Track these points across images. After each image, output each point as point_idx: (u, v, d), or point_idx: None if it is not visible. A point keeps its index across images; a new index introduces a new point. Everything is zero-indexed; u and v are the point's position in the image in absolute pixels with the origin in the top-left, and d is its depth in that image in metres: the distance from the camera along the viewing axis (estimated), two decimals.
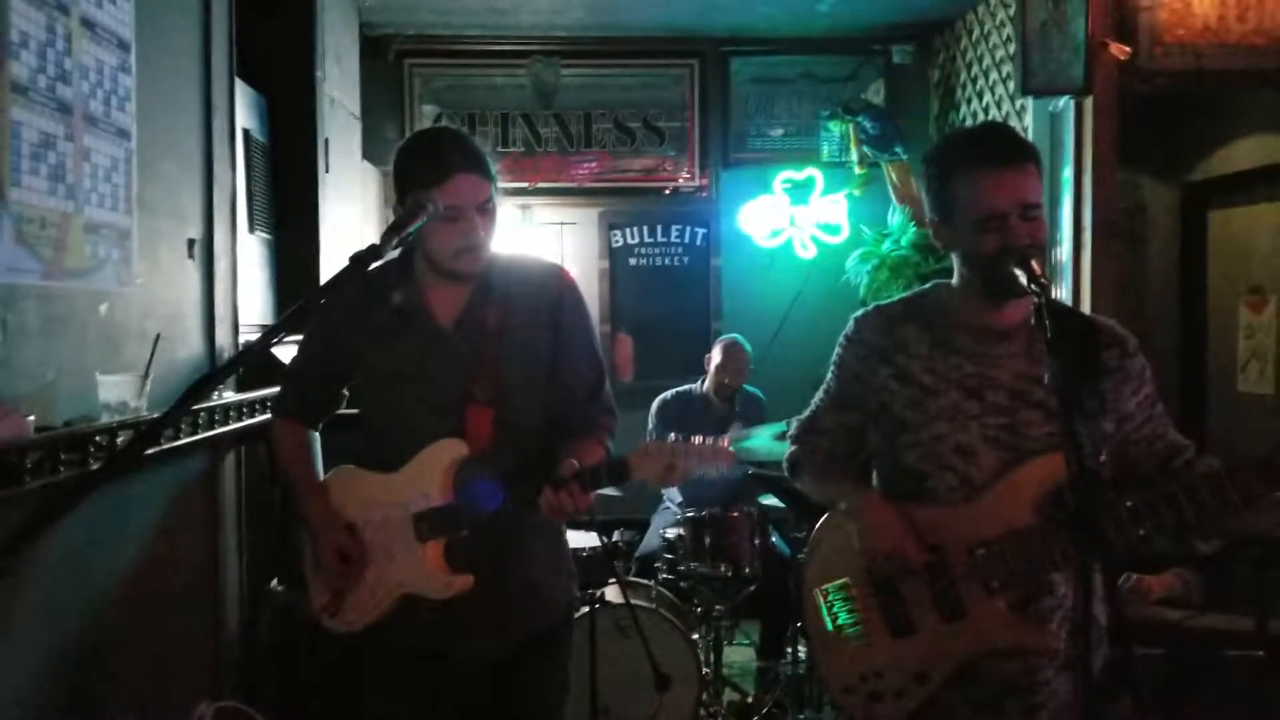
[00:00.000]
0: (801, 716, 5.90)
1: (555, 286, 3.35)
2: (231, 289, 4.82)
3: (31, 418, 3.02)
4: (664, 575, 6.12)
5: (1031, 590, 2.87)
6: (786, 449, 3.37)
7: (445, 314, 3.24)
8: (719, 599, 6.05)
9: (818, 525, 3.26)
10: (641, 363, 9.10)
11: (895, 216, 8.55)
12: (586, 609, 5.06)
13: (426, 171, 3.03)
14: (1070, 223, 6.45)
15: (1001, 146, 2.84)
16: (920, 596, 2.93)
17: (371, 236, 7.23)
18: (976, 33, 8.12)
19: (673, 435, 3.02)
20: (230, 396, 4.52)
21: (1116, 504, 2.71)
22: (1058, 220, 6.51)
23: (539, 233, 8.93)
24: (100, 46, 3.61)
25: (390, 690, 3.37)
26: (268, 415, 4.42)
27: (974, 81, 8.19)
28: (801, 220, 8.97)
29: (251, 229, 5.40)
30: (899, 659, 2.97)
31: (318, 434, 3.56)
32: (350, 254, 2.55)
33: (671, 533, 6.14)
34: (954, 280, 2.99)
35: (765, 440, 5.91)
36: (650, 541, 6.73)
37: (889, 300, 3.18)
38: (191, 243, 4.42)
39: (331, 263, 6.12)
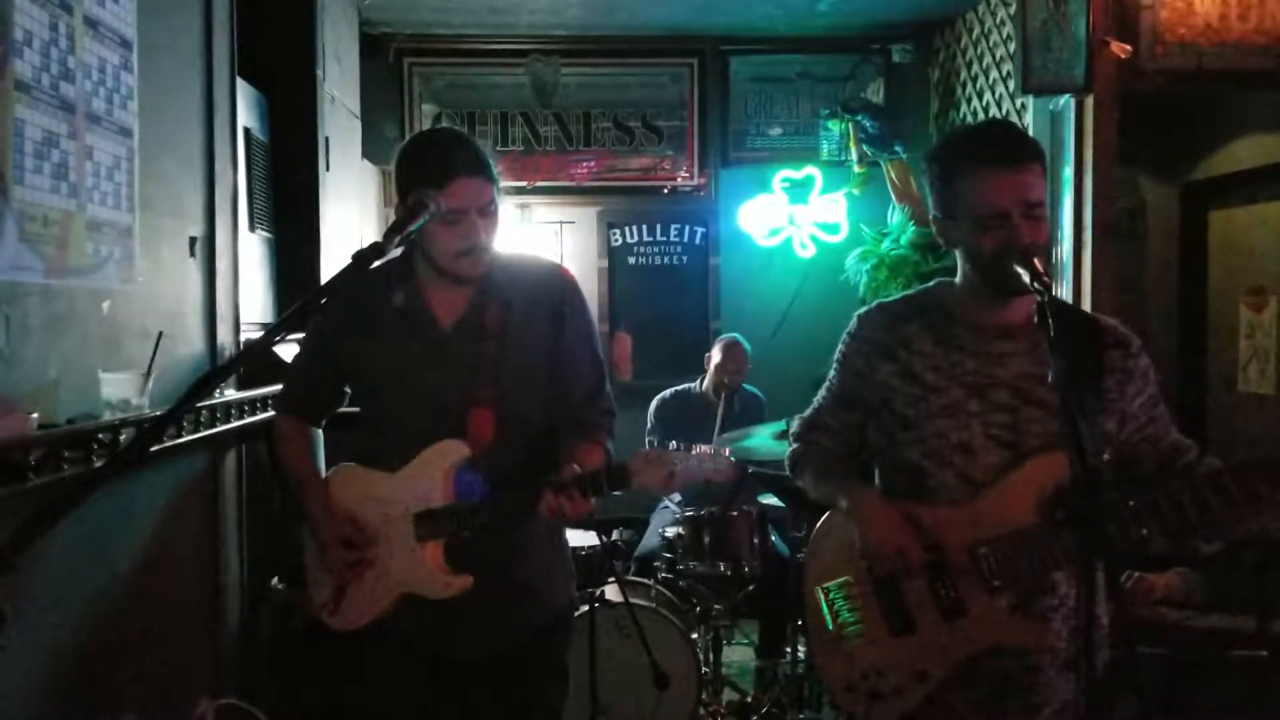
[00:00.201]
0: (800, 716, 5.90)
1: (557, 287, 3.35)
2: (232, 287, 4.82)
3: (34, 415, 3.02)
4: (663, 574, 6.11)
5: (1032, 589, 2.87)
6: (788, 447, 3.37)
7: (446, 315, 3.24)
8: (718, 598, 6.05)
9: (818, 524, 3.26)
10: (640, 362, 9.11)
11: (894, 215, 8.56)
12: (586, 608, 5.06)
13: (429, 174, 3.02)
14: (1071, 221, 6.46)
15: (1005, 145, 2.84)
16: (921, 595, 2.94)
17: (371, 235, 7.24)
18: (976, 31, 8.12)
19: (673, 444, 3.01)
20: (231, 395, 4.52)
21: (1118, 503, 2.72)
22: (1058, 219, 6.51)
23: (538, 232, 8.95)
24: (103, 45, 3.61)
25: (390, 689, 3.37)
26: (269, 413, 4.42)
27: (974, 80, 8.18)
28: (800, 219, 8.97)
29: (252, 227, 5.40)
30: (899, 657, 2.97)
31: (319, 432, 3.56)
32: (352, 252, 2.55)
33: (671, 532, 6.14)
34: (957, 278, 2.99)
35: (765, 439, 5.91)
36: (649, 540, 6.73)
37: (892, 297, 3.18)
38: (193, 241, 4.42)
39: (332, 261, 6.12)
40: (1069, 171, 6.45)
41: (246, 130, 5.30)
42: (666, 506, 6.98)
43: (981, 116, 7.99)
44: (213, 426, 4.27)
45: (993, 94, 7.88)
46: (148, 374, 3.64)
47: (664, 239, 9.15)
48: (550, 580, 3.42)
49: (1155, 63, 6.24)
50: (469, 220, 3.05)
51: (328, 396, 3.50)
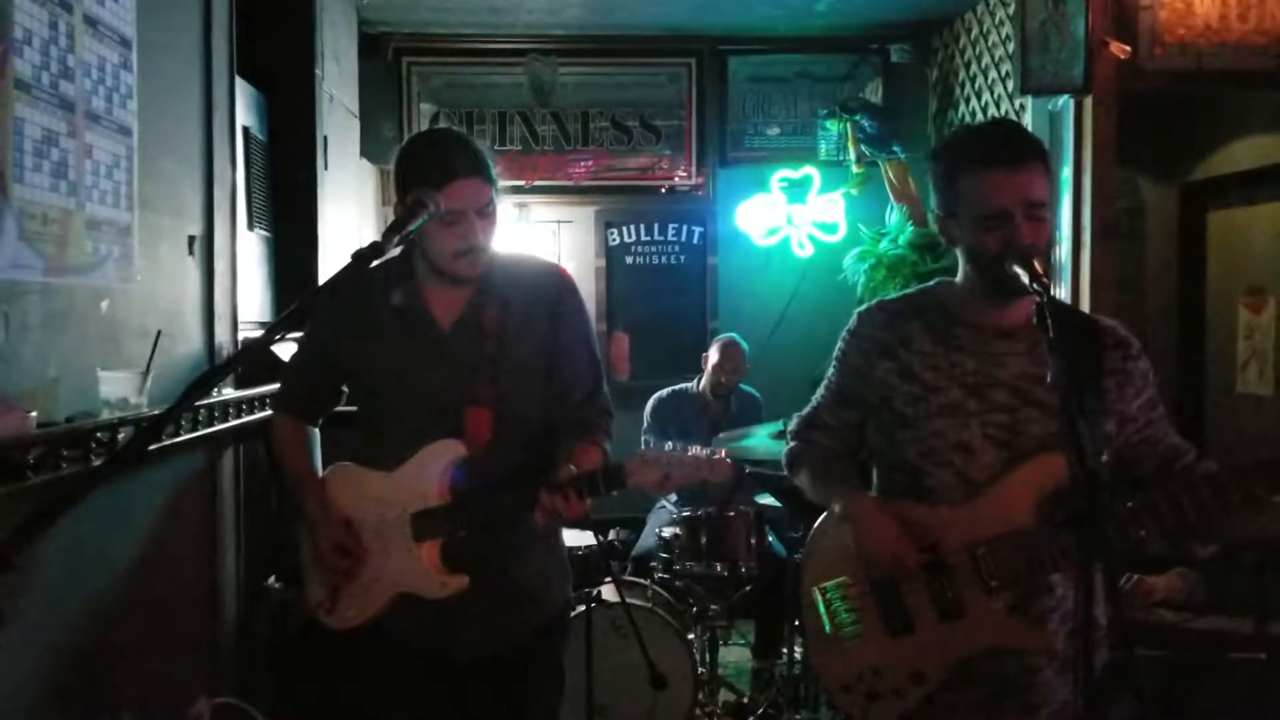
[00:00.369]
0: (797, 716, 5.90)
1: (554, 287, 3.35)
2: (231, 286, 4.82)
3: (33, 414, 3.02)
4: (660, 574, 6.11)
5: (1030, 590, 2.87)
6: (786, 445, 3.37)
7: (445, 315, 3.24)
8: (715, 598, 6.05)
9: (816, 524, 3.26)
10: (638, 361, 9.10)
11: (893, 215, 8.56)
12: (582, 608, 5.06)
13: (428, 174, 3.02)
14: (1069, 222, 6.46)
15: (1008, 144, 2.83)
16: (918, 596, 2.93)
17: (370, 234, 7.24)
18: (975, 31, 8.11)
19: (669, 444, 3.01)
20: (229, 393, 4.52)
21: (1117, 505, 2.72)
22: (1057, 219, 6.51)
23: (536, 231, 8.94)
24: (102, 44, 3.61)
25: (386, 689, 3.37)
26: (266, 412, 4.43)
27: (972, 81, 8.18)
28: (798, 219, 8.97)
29: (251, 226, 5.40)
30: (896, 658, 2.97)
31: (317, 431, 3.56)
32: (351, 252, 2.55)
33: (667, 532, 6.14)
34: (958, 277, 2.99)
35: (762, 439, 5.90)
36: (646, 540, 6.74)
37: (892, 296, 3.18)
38: (192, 239, 4.42)
39: (330, 260, 6.12)
40: (1068, 172, 6.45)
41: (245, 129, 5.30)
42: (663, 507, 6.98)
43: (980, 117, 7.99)
44: (210, 425, 4.27)
45: (991, 94, 7.88)
46: (146, 373, 3.64)
47: (662, 238, 9.15)
48: (547, 580, 3.42)
49: (1154, 63, 6.24)
50: (467, 221, 3.05)
51: (325, 396, 3.50)
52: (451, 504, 3.13)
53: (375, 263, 2.63)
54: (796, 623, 5.43)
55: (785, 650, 6.24)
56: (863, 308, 3.15)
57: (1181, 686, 4.54)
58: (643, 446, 3.10)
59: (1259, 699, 4.53)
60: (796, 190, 8.99)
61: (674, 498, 6.83)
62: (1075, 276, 6.46)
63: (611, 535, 6.90)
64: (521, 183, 8.91)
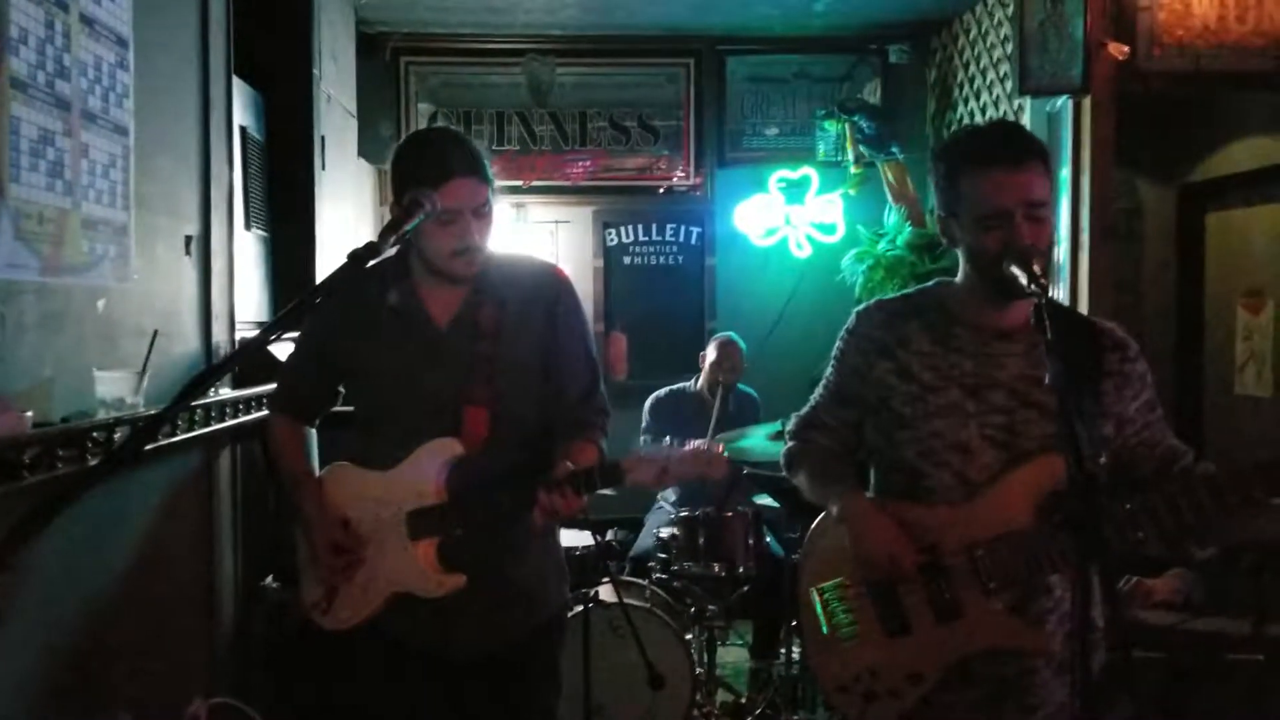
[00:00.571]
0: (795, 717, 5.90)
1: (551, 286, 3.35)
2: (228, 285, 4.81)
3: (29, 414, 3.01)
4: (658, 575, 6.11)
5: (1028, 592, 2.87)
6: (784, 445, 3.36)
7: (441, 314, 3.24)
8: (712, 599, 6.04)
9: (814, 524, 3.26)
10: (635, 361, 9.10)
11: (891, 216, 8.56)
12: (580, 608, 5.06)
13: (424, 173, 3.02)
14: (1067, 223, 6.46)
15: (1009, 144, 2.83)
16: (916, 597, 2.93)
17: (367, 234, 7.25)
18: (974, 32, 8.11)
19: (667, 440, 3.02)
20: (226, 393, 4.51)
21: (1115, 507, 2.72)
22: (1055, 221, 6.50)
23: (533, 231, 8.94)
24: (99, 43, 3.61)
25: (383, 689, 3.37)
26: (263, 412, 4.42)
27: (971, 81, 8.18)
28: (797, 219, 8.97)
29: (248, 226, 5.40)
30: (894, 659, 2.96)
31: (313, 431, 3.56)
32: (348, 251, 2.55)
33: (665, 532, 6.14)
34: (958, 278, 2.99)
35: (760, 440, 5.90)
36: (644, 541, 6.73)
37: (892, 296, 3.18)
38: (188, 239, 4.41)
39: (327, 260, 6.12)
40: (1066, 173, 6.45)
41: (243, 129, 5.30)
42: (661, 507, 6.99)
43: (979, 118, 7.99)
44: (207, 425, 4.26)
45: (990, 95, 7.88)
46: (143, 372, 3.63)
47: (660, 239, 9.15)
48: (544, 581, 3.42)
49: (1153, 64, 6.25)
50: (463, 221, 3.06)
51: (322, 396, 3.50)
52: (448, 502, 3.13)
53: (372, 263, 2.64)
54: (794, 623, 5.42)
55: (783, 651, 6.23)
56: (861, 307, 3.15)
57: (1179, 688, 4.54)
58: (640, 445, 3.10)
59: (1256, 700, 4.53)
60: (795, 191, 8.99)
61: (672, 498, 6.84)
62: (1073, 277, 6.46)
63: (609, 535, 6.90)
64: (519, 183, 8.91)
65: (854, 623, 3.03)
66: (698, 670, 5.62)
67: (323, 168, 6.20)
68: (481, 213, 3.10)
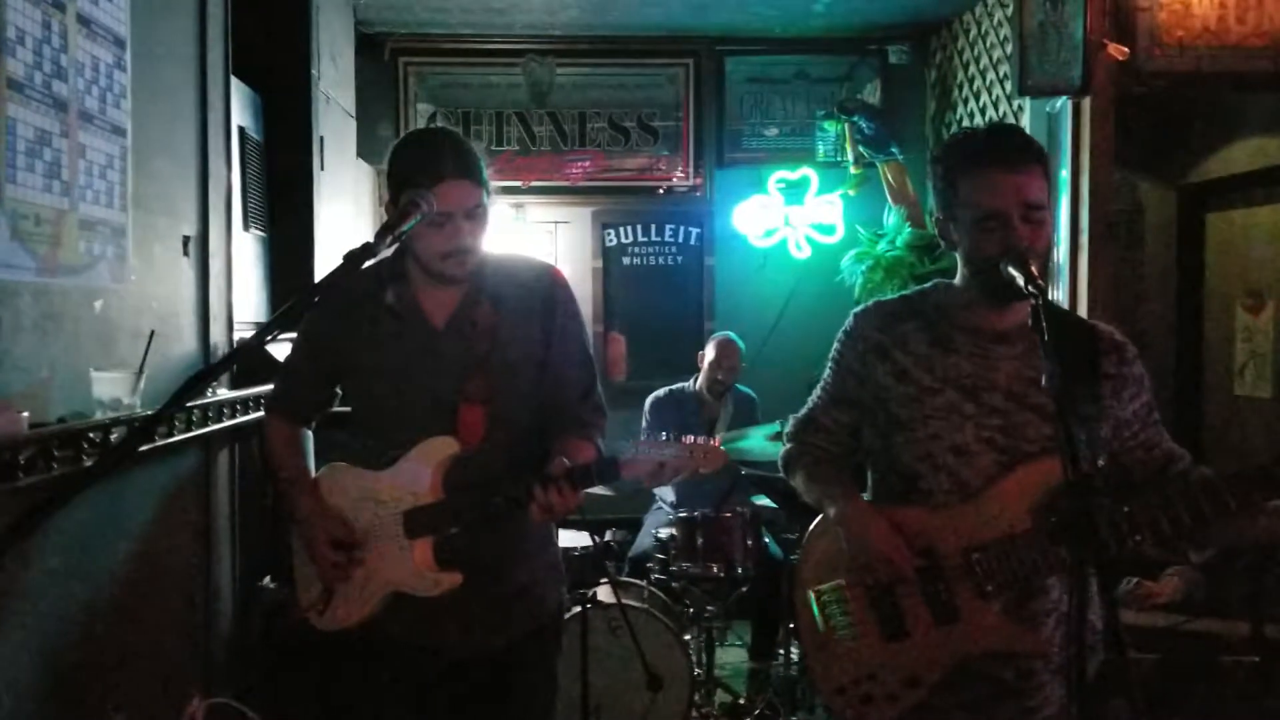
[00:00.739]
0: (793, 718, 5.90)
1: (547, 286, 3.35)
2: (226, 286, 4.81)
3: (26, 414, 3.01)
4: (656, 575, 6.12)
5: (1026, 594, 2.87)
6: (782, 447, 3.36)
7: (437, 313, 3.24)
8: (711, 599, 6.05)
9: (811, 526, 3.25)
10: (634, 362, 9.10)
11: (890, 217, 8.55)
12: (578, 609, 5.06)
13: (416, 175, 3.02)
14: (1067, 224, 6.46)
15: (1007, 145, 2.83)
16: (914, 600, 2.93)
17: (366, 234, 7.22)
18: (973, 33, 8.11)
19: (664, 434, 3.02)
20: (224, 394, 4.51)
21: (1113, 509, 2.71)
22: (1054, 221, 6.50)
23: (532, 231, 8.93)
24: (96, 43, 3.60)
25: (379, 689, 3.37)
26: (261, 412, 4.42)
27: (970, 82, 8.18)
28: (796, 220, 8.96)
29: (246, 226, 5.39)
30: (891, 662, 2.96)
31: (310, 432, 3.56)
32: (344, 252, 2.55)
33: (664, 533, 6.15)
34: (956, 280, 2.99)
35: (758, 441, 5.90)
36: (642, 541, 6.74)
37: (890, 297, 3.18)
38: (186, 240, 4.41)
39: (325, 260, 6.11)
40: (1066, 174, 6.45)
41: (241, 129, 5.29)
42: (660, 507, 7.00)
43: (978, 118, 7.99)
44: (205, 425, 4.27)
45: (989, 95, 7.87)
46: (140, 373, 3.63)
47: (659, 239, 9.14)
48: (540, 581, 3.41)
49: (1153, 65, 6.24)
50: (455, 223, 3.05)
51: (318, 396, 3.50)
52: (444, 501, 3.13)
53: (369, 263, 2.64)
54: (792, 625, 5.42)
55: (782, 651, 6.24)
56: (859, 309, 3.15)
57: (1176, 689, 4.54)
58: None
59: (1253, 701, 4.53)
60: (794, 191, 8.98)
61: (671, 498, 6.84)
62: (1073, 278, 6.45)
63: (608, 536, 6.89)
64: (518, 183, 8.90)
65: (851, 625, 3.03)
66: (696, 671, 5.62)
67: (321, 168, 6.20)
68: (474, 215, 3.10)
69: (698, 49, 9.11)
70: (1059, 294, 6.50)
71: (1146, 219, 8.78)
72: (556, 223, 9.05)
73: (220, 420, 4.41)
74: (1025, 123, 6.95)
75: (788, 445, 3.32)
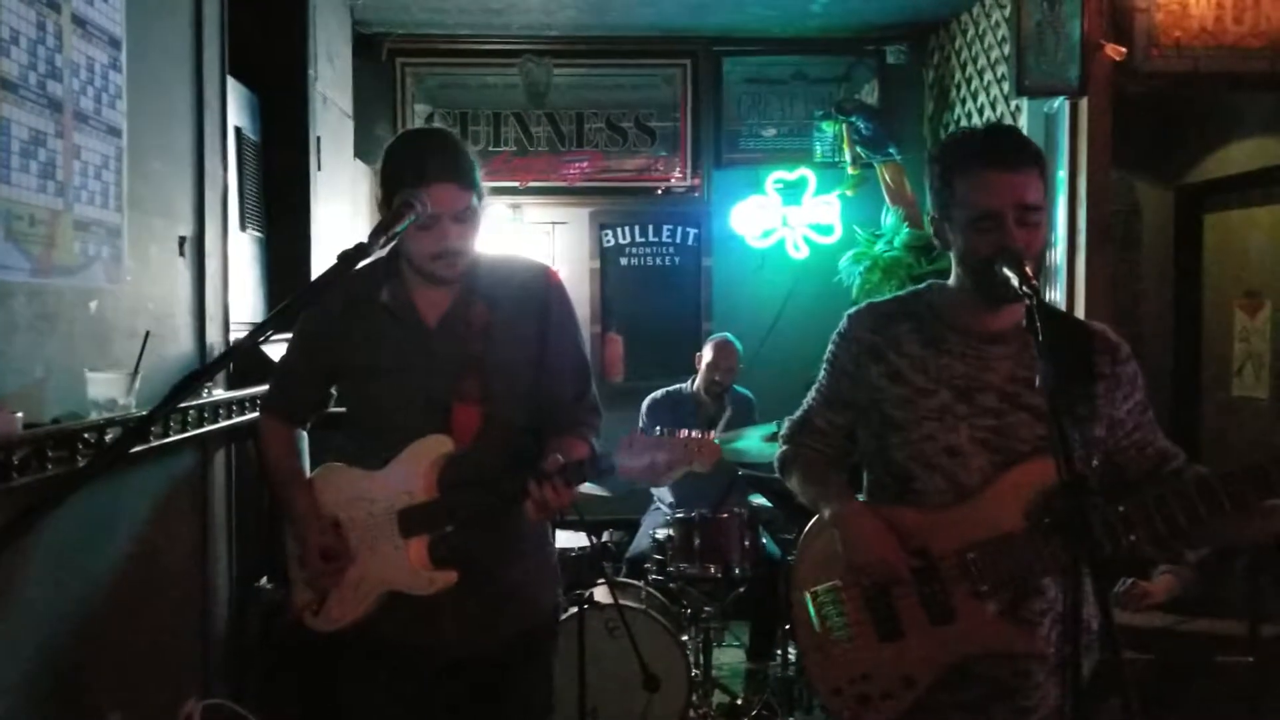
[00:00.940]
0: (791, 718, 5.90)
1: (542, 287, 3.35)
2: (222, 287, 4.80)
3: (20, 415, 3.01)
4: (653, 576, 6.12)
5: (1021, 594, 2.86)
6: (778, 449, 3.36)
7: (431, 312, 3.24)
8: (708, 600, 6.05)
9: (807, 527, 3.25)
10: (632, 363, 9.09)
11: (888, 217, 8.54)
12: (575, 610, 5.05)
13: (404, 176, 3.04)
14: (1064, 224, 6.46)
15: (1004, 146, 2.83)
16: (909, 600, 2.93)
17: (362, 235, 7.21)
18: (971, 33, 8.11)
19: (659, 429, 3.02)
20: (220, 394, 4.51)
21: (1107, 509, 2.71)
22: (1052, 222, 6.50)
23: (530, 232, 8.92)
24: (91, 44, 3.60)
25: (375, 689, 3.36)
26: (257, 413, 4.42)
27: (968, 82, 8.18)
28: (794, 221, 8.95)
29: (243, 227, 5.39)
30: (887, 662, 2.96)
31: (305, 433, 3.56)
32: (338, 253, 2.55)
33: (661, 533, 6.15)
34: (950, 280, 2.99)
35: (755, 441, 5.90)
36: (640, 542, 6.74)
37: (884, 298, 3.18)
38: (182, 240, 4.41)
39: (322, 261, 6.11)
40: (1063, 174, 6.45)
41: (237, 129, 5.29)
42: (657, 508, 7.00)
43: (976, 119, 7.99)
44: (201, 426, 4.26)
45: (987, 96, 7.87)
46: (135, 374, 3.63)
47: (656, 240, 9.13)
48: (535, 582, 3.42)
49: (1150, 65, 6.24)
50: (442, 225, 3.06)
51: (313, 397, 3.49)
52: (438, 499, 3.13)
53: (363, 263, 2.64)
54: (789, 625, 5.42)
55: (779, 652, 6.24)
56: (852, 310, 3.15)
57: (1171, 689, 4.54)
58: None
59: (1248, 702, 4.53)
60: (792, 192, 8.98)
61: (668, 499, 6.84)
62: (1070, 279, 6.45)
63: (605, 537, 6.90)
64: (516, 184, 8.90)
65: (847, 626, 3.03)
66: (693, 672, 5.62)
67: (318, 168, 6.19)
68: (462, 218, 3.10)
69: (695, 49, 9.10)
70: (1056, 294, 6.50)
71: (1144, 219, 8.77)
72: (554, 223, 9.04)
73: (216, 421, 4.41)
74: (1023, 123, 6.95)
75: (783, 447, 3.33)
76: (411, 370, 3.20)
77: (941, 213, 2.92)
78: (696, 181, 9.12)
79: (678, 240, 9.13)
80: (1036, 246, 2.77)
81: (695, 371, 7.17)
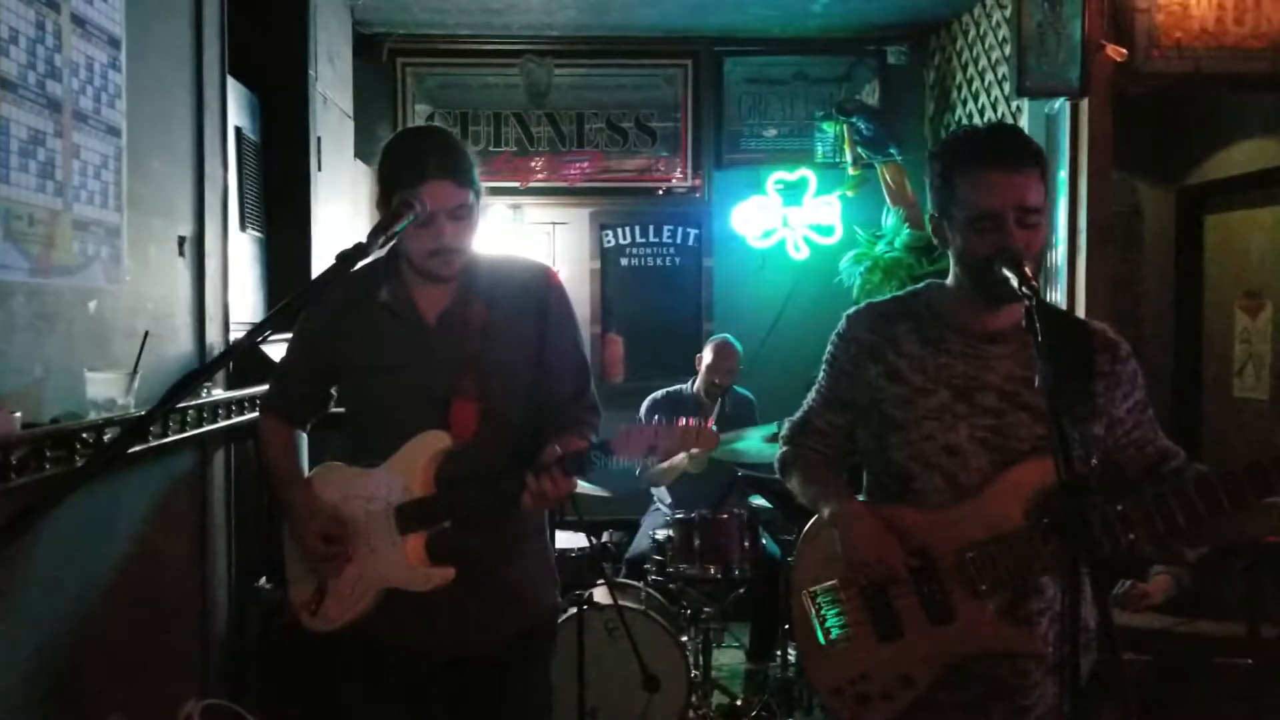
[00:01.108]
0: (790, 719, 5.89)
1: (541, 286, 3.36)
2: (222, 287, 4.81)
3: (18, 414, 3.01)
4: (653, 577, 6.11)
5: (1019, 593, 2.86)
6: (778, 450, 3.36)
7: (430, 309, 3.25)
8: (708, 601, 6.04)
9: (806, 527, 3.25)
10: (632, 363, 9.09)
11: (889, 218, 8.54)
12: (574, 610, 5.05)
13: (401, 174, 3.05)
14: (1065, 225, 6.45)
15: (1005, 146, 2.82)
16: (908, 600, 2.93)
17: (363, 235, 7.21)
18: (972, 33, 8.11)
19: (656, 417, 3.03)
20: (219, 394, 4.51)
21: (1106, 508, 2.71)
22: (1053, 223, 6.50)
23: (530, 232, 8.92)
24: (90, 43, 3.60)
25: (372, 689, 3.36)
26: (256, 413, 4.42)
27: (969, 83, 8.17)
28: (794, 221, 8.95)
29: (243, 227, 5.39)
30: (886, 662, 2.96)
31: (304, 434, 3.55)
32: (336, 253, 2.55)
33: (661, 534, 6.14)
34: (949, 280, 2.99)
35: (755, 442, 5.90)
36: (639, 543, 6.74)
37: (882, 298, 3.18)
38: (182, 240, 4.41)
39: (323, 261, 6.10)
40: (1064, 175, 6.45)
41: (238, 129, 5.29)
42: (657, 509, 7.00)
43: (977, 119, 7.98)
44: (200, 426, 4.26)
45: (988, 96, 7.87)
46: (134, 373, 3.63)
47: (657, 240, 9.13)
48: (533, 582, 3.41)
49: (1151, 66, 6.24)
50: (438, 223, 3.06)
51: (312, 397, 3.49)
52: (435, 495, 3.13)
53: (362, 263, 2.64)
54: (789, 625, 5.42)
55: (779, 653, 6.23)
56: (851, 310, 3.16)
57: (1170, 690, 4.54)
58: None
59: (1247, 703, 4.53)
60: (792, 192, 8.97)
61: (668, 500, 6.84)
62: (1071, 279, 6.45)
63: (605, 538, 6.90)
64: (516, 184, 8.91)
65: (846, 626, 3.03)
66: (693, 672, 5.61)
67: (319, 169, 6.19)
68: (457, 215, 3.10)
69: (696, 50, 9.10)
70: (1057, 295, 6.50)
71: (1145, 220, 8.76)
72: (554, 224, 9.04)
73: (215, 421, 4.41)
74: (1024, 124, 6.94)
75: (783, 448, 3.33)
76: (411, 367, 3.20)
77: (941, 212, 2.92)
78: (697, 182, 9.12)
79: (678, 241, 9.13)
80: (1036, 247, 2.77)
81: (695, 372, 7.16)
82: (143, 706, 3.95)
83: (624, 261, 9.12)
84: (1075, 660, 2.19)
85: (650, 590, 5.91)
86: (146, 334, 3.86)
